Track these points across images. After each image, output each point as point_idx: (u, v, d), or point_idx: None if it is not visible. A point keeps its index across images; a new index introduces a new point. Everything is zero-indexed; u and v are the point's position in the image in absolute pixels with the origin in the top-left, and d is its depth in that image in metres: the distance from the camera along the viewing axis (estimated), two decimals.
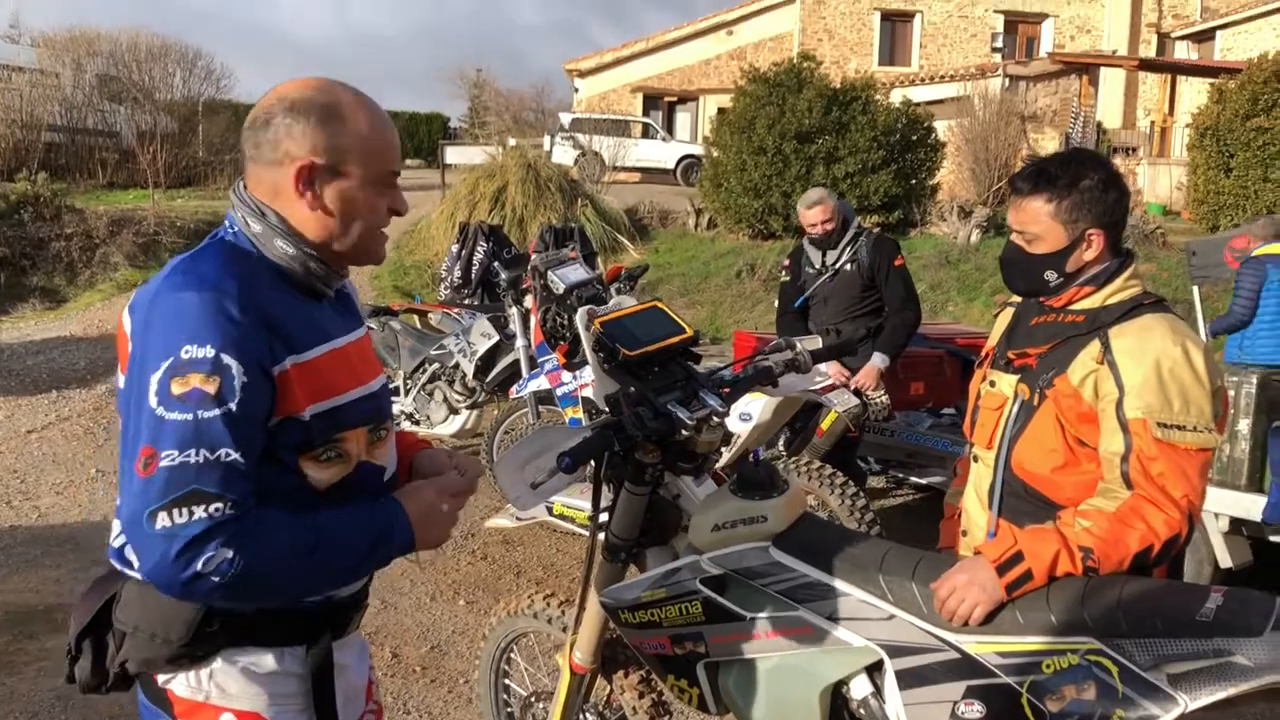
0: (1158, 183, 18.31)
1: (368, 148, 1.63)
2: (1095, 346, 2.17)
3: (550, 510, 2.63)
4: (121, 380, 1.56)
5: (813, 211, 5.19)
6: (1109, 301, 2.24)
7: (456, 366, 6.81)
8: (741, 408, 4.66)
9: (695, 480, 2.32)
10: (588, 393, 5.04)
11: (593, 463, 2.20)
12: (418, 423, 6.95)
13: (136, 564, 1.49)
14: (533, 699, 2.88)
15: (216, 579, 1.42)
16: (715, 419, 2.25)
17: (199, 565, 1.41)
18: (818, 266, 5.32)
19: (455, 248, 9.64)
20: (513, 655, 2.96)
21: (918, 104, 16.85)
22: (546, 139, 22.17)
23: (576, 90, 29.99)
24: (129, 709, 3.75)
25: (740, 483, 2.24)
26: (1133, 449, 2.05)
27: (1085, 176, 2.25)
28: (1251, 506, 4.60)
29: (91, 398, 8.99)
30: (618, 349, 2.21)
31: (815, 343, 2.52)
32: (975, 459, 2.43)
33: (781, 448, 5.44)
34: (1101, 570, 1.98)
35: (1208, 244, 6.32)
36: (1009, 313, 2.51)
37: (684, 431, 2.18)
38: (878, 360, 5.05)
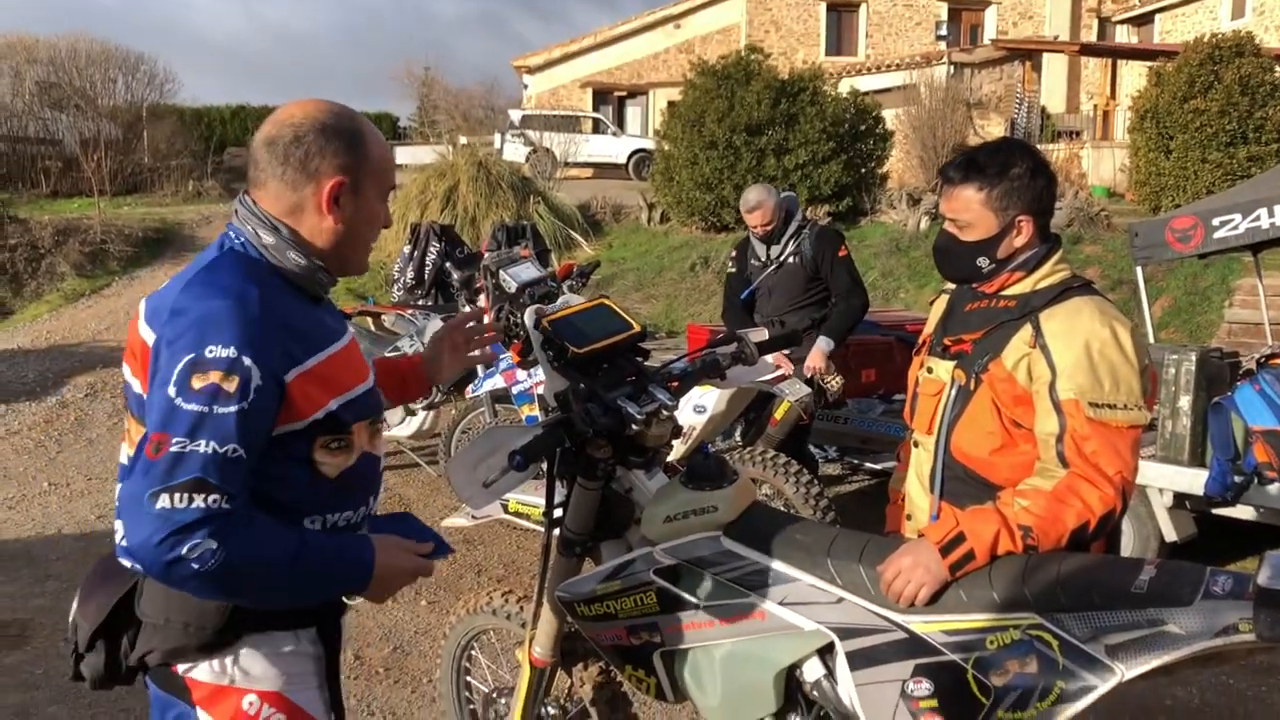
0: (1101, 165, 18.59)
1: (380, 168, 1.79)
2: (1027, 330, 2.23)
3: (505, 508, 2.66)
4: (136, 385, 1.67)
5: (753, 215, 5.28)
6: (1039, 286, 2.31)
7: None
8: (695, 400, 4.72)
9: (647, 473, 2.35)
10: (543, 390, 5.06)
11: (545, 460, 2.22)
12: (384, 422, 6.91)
13: (119, 537, 1.53)
14: (494, 695, 2.91)
15: (196, 566, 1.49)
16: (664, 412, 2.29)
17: (183, 550, 1.48)
18: (763, 259, 5.39)
19: (407, 249, 9.61)
20: (474, 652, 2.98)
21: (865, 93, 17.02)
22: (497, 137, 22.09)
23: (526, 87, 29.92)
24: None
25: (690, 474, 2.28)
26: (1067, 429, 2.12)
27: (1014, 165, 2.31)
28: (1194, 481, 4.73)
29: (41, 410, 8.87)
30: (566, 347, 2.25)
31: (762, 334, 2.56)
32: (916, 444, 2.49)
33: (738, 438, 5.51)
34: (1041, 547, 2.04)
35: (1150, 225, 6.45)
36: (944, 300, 2.57)
37: (634, 426, 2.21)
38: (822, 344, 5.13)
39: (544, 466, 2.31)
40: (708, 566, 2.22)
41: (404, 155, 19.50)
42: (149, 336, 1.64)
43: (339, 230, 1.76)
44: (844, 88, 16.30)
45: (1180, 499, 4.86)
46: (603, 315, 2.37)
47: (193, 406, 1.53)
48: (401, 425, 6.90)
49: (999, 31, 27.55)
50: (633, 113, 29.22)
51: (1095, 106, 25.07)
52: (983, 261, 2.36)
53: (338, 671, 1.88)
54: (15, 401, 9.17)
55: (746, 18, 28.00)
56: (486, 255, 5.76)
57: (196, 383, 1.53)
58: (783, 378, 4.74)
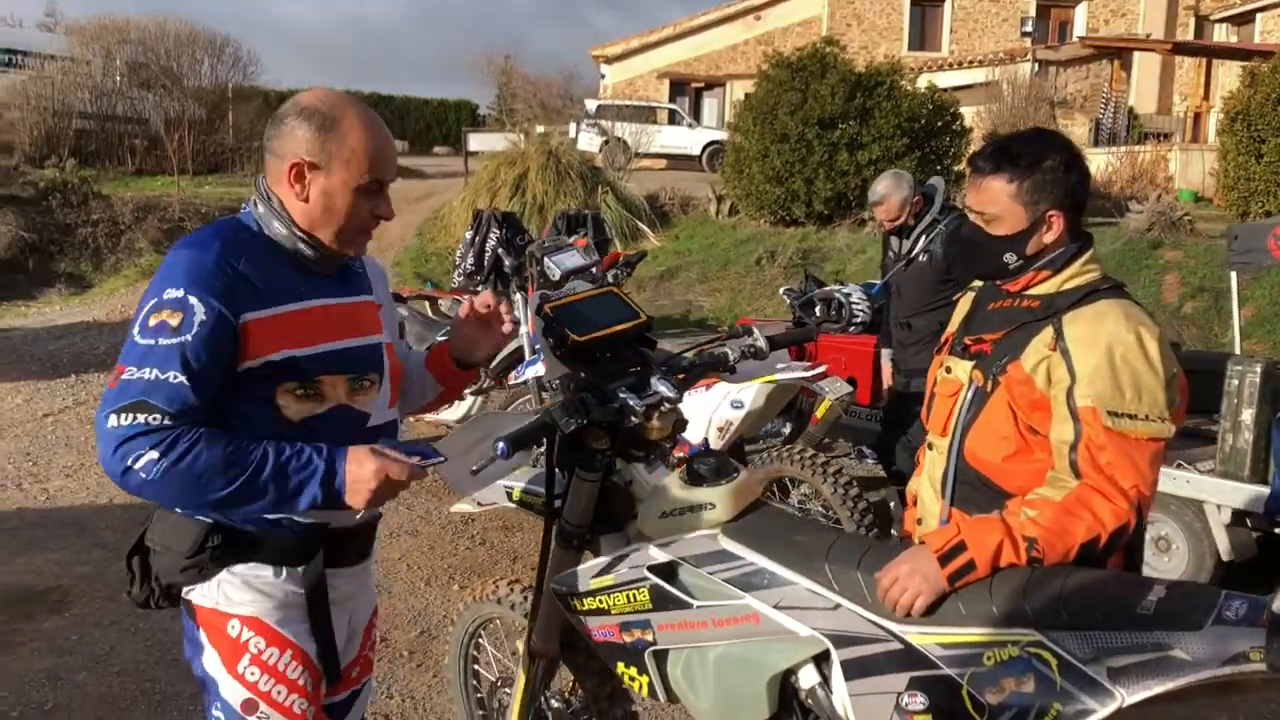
0: (1190, 169, 17.96)
1: (354, 157, 1.88)
2: (1049, 332, 2.12)
3: (510, 496, 2.61)
4: None
5: (878, 210, 4.89)
6: (1065, 286, 2.19)
7: None
8: (734, 395, 4.64)
9: (647, 467, 2.29)
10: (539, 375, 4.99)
11: (538, 449, 2.18)
12: None
13: (103, 468, 1.76)
14: (499, 684, 2.87)
15: (144, 475, 1.70)
16: (666, 405, 2.23)
17: (128, 461, 1.70)
18: (896, 252, 5.01)
19: (469, 234, 9.59)
20: (481, 641, 2.95)
21: (945, 90, 16.66)
22: (572, 126, 22.14)
23: (603, 76, 29.92)
24: (115, 689, 3.80)
25: (689, 470, 2.21)
26: (1082, 437, 2.01)
27: (1048, 157, 2.20)
28: (1255, 498, 4.51)
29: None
30: (566, 334, 2.19)
31: (778, 329, 2.49)
32: (930, 446, 2.38)
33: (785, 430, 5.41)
34: (1046, 561, 1.94)
35: (1251, 229, 6.10)
36: (969, 297, 2.46)
37: (633, 418, 2.16)
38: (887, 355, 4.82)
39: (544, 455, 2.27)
40: (703, 565, 2.15)
41: (477, 142, 19.69)
42: None
43: (303, 207, 1.91)
44: (922, 83, 15.96)
45: (1240, 516, 4.64)
46: (609, 303, 2.32)
47: (144, 341, 1.76)
48: (449, 409, 6.92)
49: (1089, 29, 26.83)
50: (709, 104, 29.07)
51: (1187, 108, 24.26)
52: (1009, 258, 2.25)
53: (328, 614, 2.01)
54: (85, 372, 9.42)
55: (828, 11, 27.66)
56: (533, 243, 5.73)
57: (152, 320, 1.76)
58: (823, 375, 4.63)
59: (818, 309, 6.49)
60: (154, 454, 1.69)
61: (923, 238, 4.85)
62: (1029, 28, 26.56)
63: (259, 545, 1.93)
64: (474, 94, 39.94)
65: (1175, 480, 4.66)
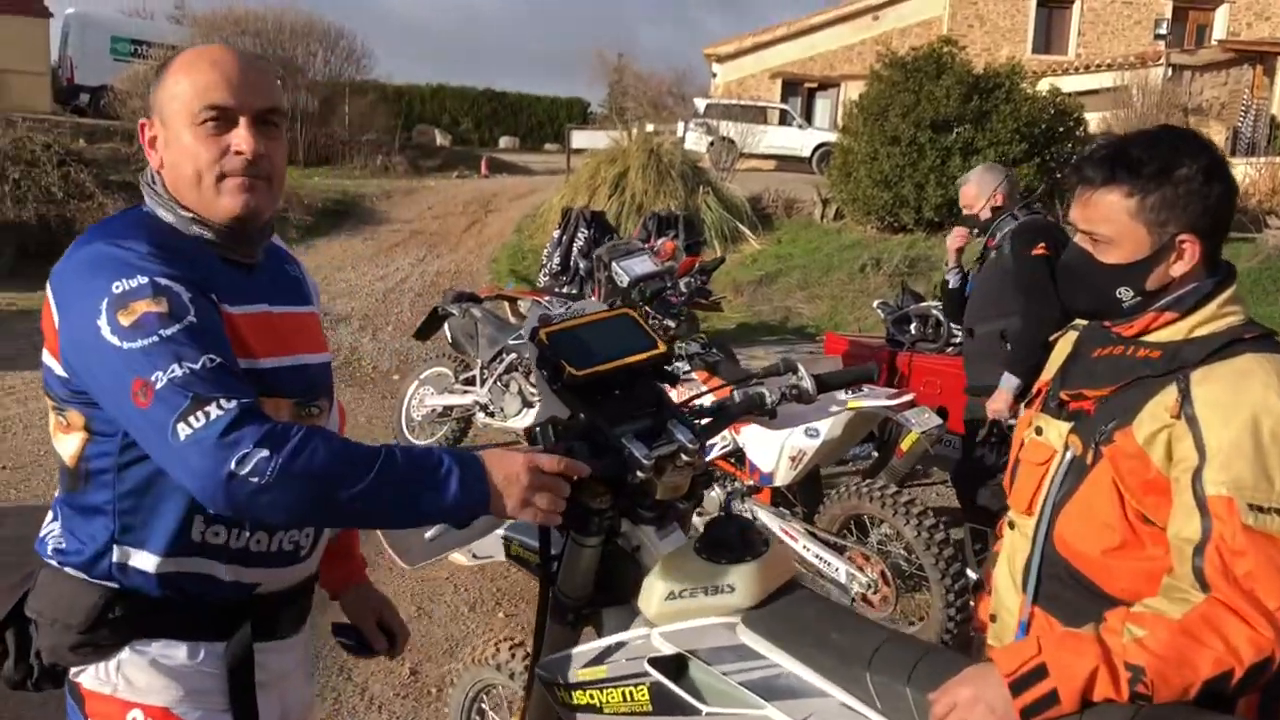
0: None
1: (181, 92, 1.56)
2: (1171, 393, 1.63)
3: (508, 549, 2.23)
4: (47, 358, 1.53)
5: (960, 194, 4.59)
6: (1196, 333, 1.70)
7: None
8: (809, 422, 4.18)
9: (658, 530, 1.87)
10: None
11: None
12: (492, 415, 6.65)
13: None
14: None
15: (256, 479, 1.31)
16: (684, 457, 1.81)
17: (231, 465, 1.31)
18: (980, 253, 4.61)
19: (557, 233, 9.33)
20: (484, 706, 2.58)
21: (1069, 94, 15.77)
22: (680, 125, 21.78)
23: (714, 75, 29.47)
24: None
25: (706, 541, 1.80)
26: (1212, 537, 1.52)
27: (1180, 164, 1.70)
28: None
29: None
30: (563, 366, 1.79)
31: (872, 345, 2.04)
32: (1011, 525, 1.91)
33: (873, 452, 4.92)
34: (1156, 698, 1.46)
35: None
36: (1070, 338, 1.97)
37: (639, 474, 1.74)
38: (1004, 384, 4.18)
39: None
40: (716, 662, 1.73)
41: (581, 139, 19.49)
42: (52, 301, 1.50)
43: (166, 174, 1.60)
44: (1043, 86, 15.13)
45: None
46: (620, 329, 1.90)
47: (143, 342, 1.37)
48: (518, 417, 6.59)
49: (1229, 32, 25.29)
50: (822, 105, 28.36)
51: None
52: (1123, 292, 1.76)
53: (252, 697, 1.64)
54: None
55: (949, 11, 26.67)
56: (601, 246, 5.36)
57: (125, 320, 1.39)
58: (910, 404, 4.14)
59: (912, 326, 5.99)
60: (264, 451, 1.31)
61: (997, 234, 4.43)
62: (1163, 30, 25.14)
63: (172, 616, 1.58)
64: (586, 92, 39.92)
65: None
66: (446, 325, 6.88)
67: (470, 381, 6.74)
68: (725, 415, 1.98)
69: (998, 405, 4.19)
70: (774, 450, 4.31)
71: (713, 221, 14.62)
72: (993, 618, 1.93)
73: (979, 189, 4.47)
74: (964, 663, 1.61)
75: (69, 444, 1.55)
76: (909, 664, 1.63)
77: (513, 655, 2.37)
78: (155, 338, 1.38)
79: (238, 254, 1.62)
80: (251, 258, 1.65)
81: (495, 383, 6.71)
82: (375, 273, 14.08)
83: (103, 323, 1.39)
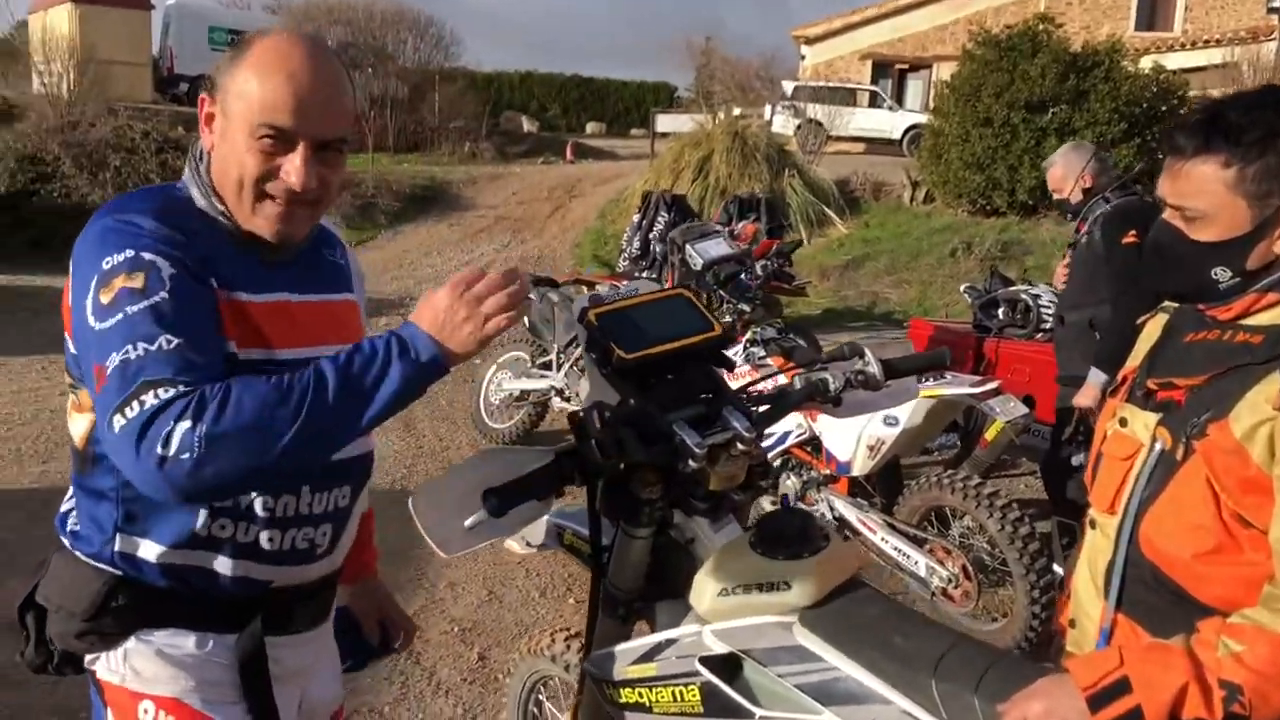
0: None
1: (248, 92, 1.45)
2: (1274, 383, 1.47)
3: (561, 538, 2.15)
4: (66, 335, 1.48)
5: (1048, 178, 4.43)
6: None
7: None
8: (888, 410, 4.04)
9: (712, 523, 1.78)
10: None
11: (543, 500, 1.68)
12: (568, 399, 6.61)
13: (139, 487, 1.34)
14: None
15: (186, 455, 1.24)
16: (739, 446, 1.70)
17: (158, 449, 1.24)
18: (1074, 237, 4.42)
19: (636, 217, 9.25)
20: (540, 698, 2.52)
21: (1173, 72, 15.15)
22: (767, 108, 21.54)
23: (803, 58, 29.04)
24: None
25: (761, 535, 1.70)
26: None
27: None
28: None
29: None
30: (613, 349, 1.70)
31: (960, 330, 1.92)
32: (1093, 524, 1.76)
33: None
34: (1255, 719, 1.32)
35: None
36: (1159, 321, 1.82)
37: (690, 462, 1.64)
38: (1092, 377, 3.95)
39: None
40: (771, 663, 1.63)
41: (665, 123, 19.39)
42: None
43: (214, 160, 1.52)
44: (1145, 64, 14.55)
45: None
46: (674, 310, 1.80)
47: (110, 322, 1.33)
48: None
49: None
50: (913, 86, 27.74)
51: None
52: (1220, 272, 1.61)
53: (268, 690, 1.59)
54: None
55: None
56: (675, 230, 5.25)
57: (105, 297, 1.35)
58: (995, 392, 3.96)
59: (1001, 310, 5.76)
60: (185, 424, 1.24)
61: (1087, 220, 4.22)
62: (1277, 3, 24.05)
63: (178, 606, 1.53)
64: (673, 77, 39.70)
65: None
66: (525, 310, 6.85)
67: (547, 366, 6.72)
68: (785, 402, 1.87)
69: (1085, 400, 3.97)
70: (851, 439, 4.17)
71: (798, 205, 14.39)
72: (1071, 623, 1.79)
73: (1065, 170, 4.27)
74: (1038, 671, 1.49)
75: (79, 424, 1.52)
76: (978, 671, 1.51)
77: (568, 646, 2.30)
78: (121, 315, 1.33)
79: (261, 255, 1.55)
80: (288, 258, 1.59)
81: (571, 367, 6.67)
82: (460, 258, 14.19)
83: (88, 302, 1.37)
